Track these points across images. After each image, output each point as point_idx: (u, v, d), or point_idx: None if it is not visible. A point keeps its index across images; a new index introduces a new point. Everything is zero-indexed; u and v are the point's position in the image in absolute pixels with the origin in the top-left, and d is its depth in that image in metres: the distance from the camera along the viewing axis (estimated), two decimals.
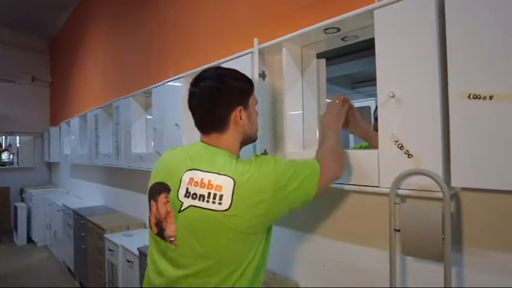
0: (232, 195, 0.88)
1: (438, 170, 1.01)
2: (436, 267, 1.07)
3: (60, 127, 6.00)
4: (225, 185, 0.90)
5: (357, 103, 3.27)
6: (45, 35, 6.95)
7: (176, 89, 2.37)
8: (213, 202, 0.89)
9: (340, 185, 1.30)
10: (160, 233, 1.02)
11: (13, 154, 6.76)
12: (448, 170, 1.00)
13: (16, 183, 6.52)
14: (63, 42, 6.34)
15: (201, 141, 1.07)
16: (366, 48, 1.80)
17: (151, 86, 2.67)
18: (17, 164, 6.60)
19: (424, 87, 1.04)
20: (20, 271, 4.23)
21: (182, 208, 0.94)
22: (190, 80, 1.09)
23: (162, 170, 1.07)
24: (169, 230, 0.98)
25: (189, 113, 1.09)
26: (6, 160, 6.74)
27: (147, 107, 3.05)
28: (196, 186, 0.93)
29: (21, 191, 6.40)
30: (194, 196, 0.93)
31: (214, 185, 0.90)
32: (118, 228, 2.89)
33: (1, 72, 6.50)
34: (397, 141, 1.10)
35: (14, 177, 6.52)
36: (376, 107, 1.34)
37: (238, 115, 1.02)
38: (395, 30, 1.11)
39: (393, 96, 1.09)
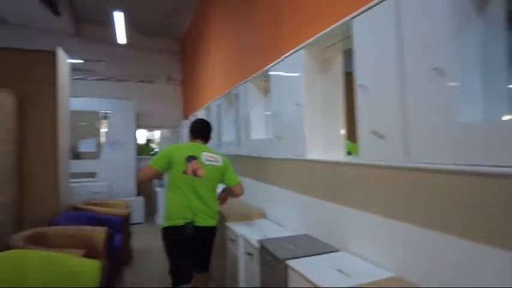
0: (222, 161, 2.52)
1: None
2: None
3: (190, 121, 6.51)
4: (219, 157, 2.52)
5: None
6: (177, 37, 7.68)
7: (295, 63, 2.10)
8: (216, 161, 2.48)
9: None
10: (195, 175, 2.39)
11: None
12: None
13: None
14: (190, 42, 6.85)
15: (197, 142, 2.59)
16: None
17: (269, 65, 2.48)
18: None
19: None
20: (159, 248, 4.69)
21: (205, 164, 2.43)
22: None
23: (188, 150, 2.47)
24: (200, 172, 2.40)
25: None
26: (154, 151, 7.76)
27: (266, 92, 2.90)
28: (208, 157, 2.46)
29: (161, 177, 7.24)
30: (208, 160, 2.45)
31: (216, 157, 2.51)
32: (239, 217, 2.81)
33: (143, 74, 7.47)
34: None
35: None
36: None
37: None
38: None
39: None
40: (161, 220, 2.62)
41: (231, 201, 2.74)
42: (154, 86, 7.58)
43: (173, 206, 2.37)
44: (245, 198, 3.42)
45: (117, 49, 6.94)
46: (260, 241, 2.08)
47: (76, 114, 6.52)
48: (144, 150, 7.84)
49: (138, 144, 7.41)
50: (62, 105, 3.94)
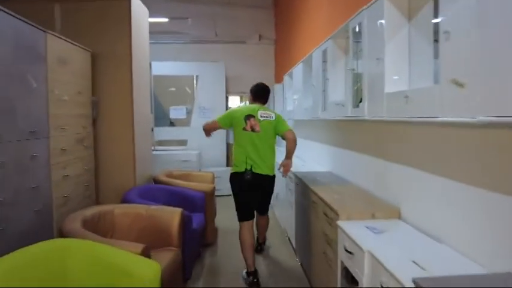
0: (275, 116, 2.87)
1: None
2: None
3: (283, 84, 5.61)
4: (272, 113, 2.89)
5: None
6: None
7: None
8: (270, 117, 2.84)
9: None
10: (253, 130, 2.77)
11: None
12: None
13: None
14: None
15: (256, 103, 2.95)
16: None
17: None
18: None
19: None
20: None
21: (261, 121, 2.79)
22: None
23: (247, 110, 2.87)
24: (257, 127, 2.77)
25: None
26: None
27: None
28: (263, 114, 2.84)
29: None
30: (263, 117, 2.82)
31: (269, 113, 2.88)
32: (358, 214, 1.84)
33: (234, 34, 6.76)
34: None
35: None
36: None
37: None
38: None
39: None
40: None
41: (342, 189, 2.29)
42: (244, 47, 6.83)
43: (237, 157, 2.83)
44: (362, 182, 2.42)
45: (203, 7, 6.32)
46: (417, 281, 1.09)
47: (165, 80, 6.25)
48: None
49: None
50: (138, 62, 3.41)
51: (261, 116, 2.81)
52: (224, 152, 6.23)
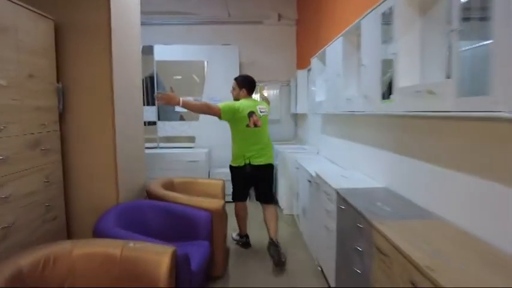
0: (268, 108, 3.17)
1: None
2: None
3: (308, 69, 4.68)
4: (265, 106, 3.13)
5: None
6: None
7: None
8: (266, 111, 3.08)
9: None
10: (255, 126, 2.94)
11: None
12: None
13: None
14: None
15: (250, 97, 3.10)
16: None
17: None
18: None
19: None
20: (263, 250, 3.21)
21: (261, 116, 2.98)
22: None
23: (248, 107, 2.92)
24: (259, 123, 2.96)
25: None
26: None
27: None
28: (261, 109, 3.01)
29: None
30: (261, 112, 3.00)
31: (265, 107, 3.10)
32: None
33: (249, 13, 5.84)
34: None
35: None
36: None
37: None
38: None
39: None
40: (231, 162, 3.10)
41: (424, 227, 1.05)
42: (261, 28, 5.91)
43: (237, 152, 3.00)
44: (457, 217, 1.47)
45: None
46: None
47: (170, 66, 5.40)
48: None
49: None
50: (122, 38, 2.55)
51: (261, 111, 3.01)
52: None
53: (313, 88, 3.80)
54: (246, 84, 3.04)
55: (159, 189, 2.77)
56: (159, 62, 5.16)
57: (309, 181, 3.06)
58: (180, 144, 5.25)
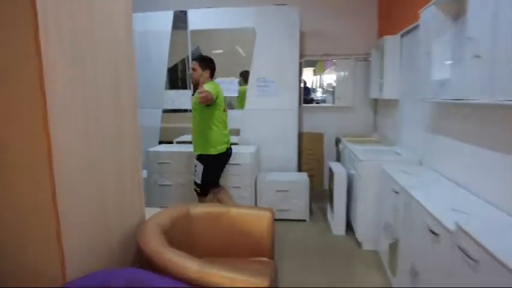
0: None
1: None
2: None
3: (402, 33, 3.15)
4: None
5: None
6: None
7: None
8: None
9: None
10: (225, 110, 2.97)
11: (327, 91, 4.70)
12: None
13: (330, 129, 4.50)
14: None
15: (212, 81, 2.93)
16: None
17: None
18: (333, 102, 4.47)
19: None
20: None
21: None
22: None
23: (221, 90, 2.88)
24: (226, 108, 3.02)
25: None
26: (319, 97, 4.79)
27: None
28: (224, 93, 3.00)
29: (337, 142, 4.31)
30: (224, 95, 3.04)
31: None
32: None
33: None
34: None
35: (329, 121, 4.51)
36: None
37: None
38: None
39: None
40: (207, 149, 2.88)
41: None
42: None
43: (218, 139, 2.89)
44: None
45: None
46: None
47: (207, 36, 4.14)
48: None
49: (305, 88, 4.56)
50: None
51: (224, 95, 2.98)
52: (295, 146, 4.03)
53: (426, 57, 2.24)
54: (210, 66, 2.90)
55: (159, 248, 1.52)
56: (193, 31, 3.94)
57: (432, 231, 1.62)
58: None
